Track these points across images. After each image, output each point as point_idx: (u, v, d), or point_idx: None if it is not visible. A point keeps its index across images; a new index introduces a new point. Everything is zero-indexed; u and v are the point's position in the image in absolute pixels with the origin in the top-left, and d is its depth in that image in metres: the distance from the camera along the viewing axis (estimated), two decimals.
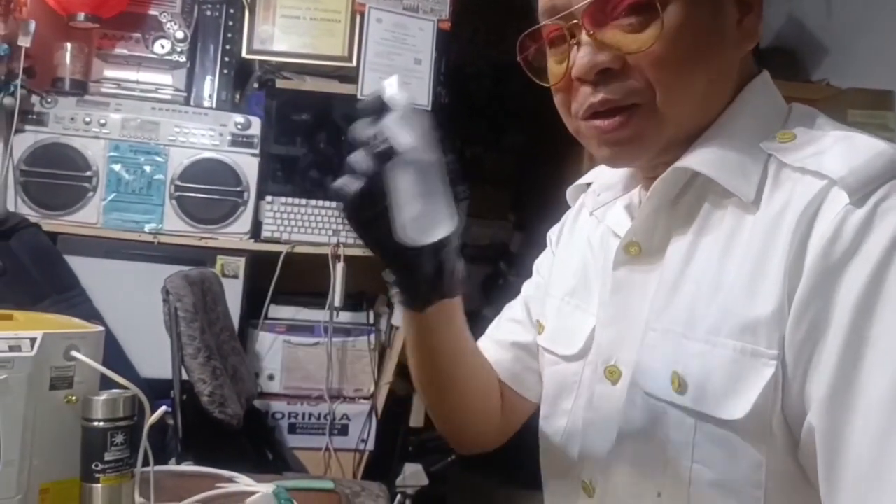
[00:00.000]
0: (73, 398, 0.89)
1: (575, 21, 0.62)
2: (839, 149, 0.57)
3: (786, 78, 2.31)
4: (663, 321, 0.63)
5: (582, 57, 0.62)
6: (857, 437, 0.51)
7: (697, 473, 0.59)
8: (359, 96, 2.12)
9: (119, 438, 0.88)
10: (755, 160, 0.61)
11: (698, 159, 0.63)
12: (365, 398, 2.04)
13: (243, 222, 2.01)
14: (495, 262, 4.22)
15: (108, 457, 0.87)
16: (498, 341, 0.89)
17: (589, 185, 0.85)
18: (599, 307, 0.72)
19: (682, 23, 0.59)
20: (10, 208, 1.86)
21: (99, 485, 0.83)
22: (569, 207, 0.94)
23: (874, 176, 0.53)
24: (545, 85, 0.69)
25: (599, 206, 0.79)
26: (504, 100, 4.48)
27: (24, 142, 1.91)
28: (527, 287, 0.94)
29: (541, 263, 0.93)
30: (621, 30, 0.61)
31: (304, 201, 2.07)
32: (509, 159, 4.61)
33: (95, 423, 0.87)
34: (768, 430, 0.56)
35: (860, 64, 2.27)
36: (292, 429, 1.95)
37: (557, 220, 0.96)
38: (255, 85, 2.16)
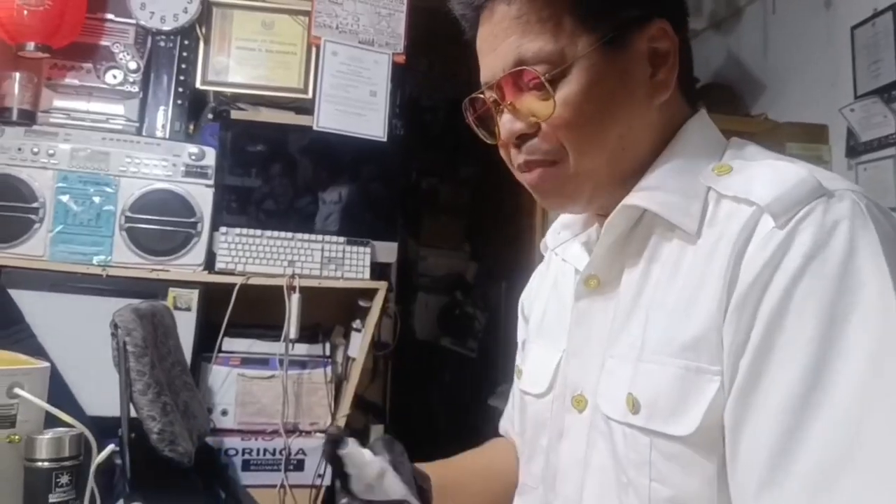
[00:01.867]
0: (16, 437, 0.86)
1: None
2: (767, 177, 0.61)
3: (726, 112, 2.40)
4: (619, 347, 0.67)
5: (504, 124, 0.70)
6: (747, 439, 0.55)
7: (655, 492, 0.61)
8: (314, 127, 2.12)
9: (64, 479, 0.85)
10: (696, 193, 0.65)
11: (644, 196, 0.67)
12: (321, 432, 2.00)
13: (197, 254, 1.97)
14: (451, 291, 4.23)
15: (52, 499, 0.83)
16: (508, 415, 0.94)
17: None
18: (566, 340, 0.75)
19: (584, 89, 0.65)
20: None
21: None
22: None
23: (796, 201, 0.58)
24: (491, 143, 0.75)
25: (559, 244, 0.84)
26: (459, 132, 4.51)
27: None
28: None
29: (519, 332, 0.95)
30: (534, 97, 0.67)
31: (259, 232, 2.05)
32: (464, 190, 4.65)
33: (39, 464, 0.84)
34: (719, 443, 0.58)
35: (797, 99, 2.37)
36: (246, 465, 1.90)
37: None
38: (210, 116, 2.14)
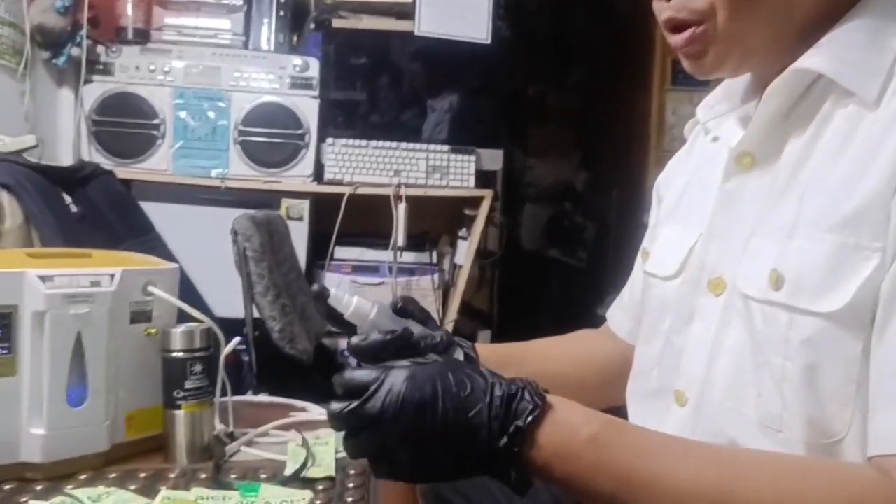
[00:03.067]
0: (153, 331, 0.94)
1: None
2: None
3: None
4: (768, 226, 0.63)
5: None
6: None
7: (790, 371, 0.59)
8: (416, 32, 2.09)
9: (197, 368, 0.93)
10: (881, 59, 0.59)
11: (817, 59, 0.61)
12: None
13: (306, 165, 2.04)
14: (560, 201, 4.17)
15: (188, 385, 0.91)
16: (621, 304, 0.95)
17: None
18: (706, 223, 0.71)
19: None
20: (85, 157, 1.95)
21: (181, 411, 0.88)
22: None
23: None
24: None
25: (712, 118, 0.78)
26: (567, 34, 4.35)
27: (93, 92, 1.98)
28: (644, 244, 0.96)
29: (650, 216, 0.93)
30: None
31: (364, 142, 2.08)
32: (573, 96, 4.50)
33: (175, 354, 0.92)
34: (867, 323, 0.55)
35: None
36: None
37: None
38: (312, 26, 2.16)
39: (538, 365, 0.88)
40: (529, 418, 0.53)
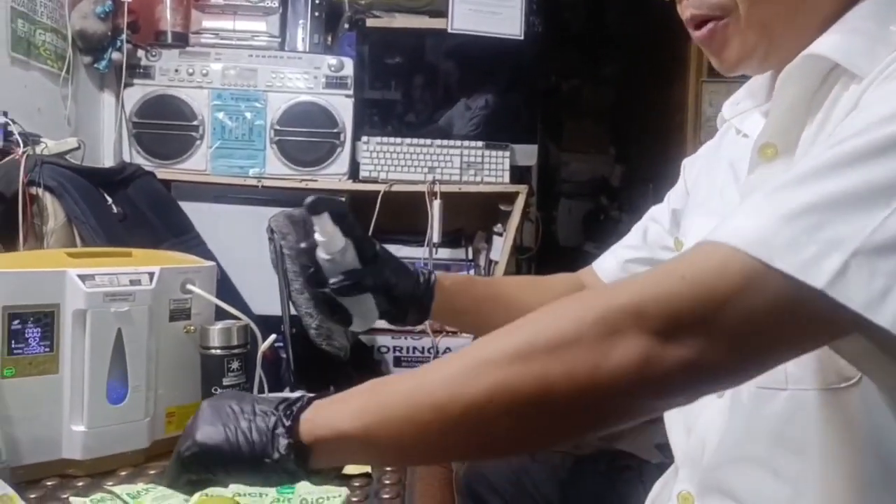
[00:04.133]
0: (192, 328, 0.95)
1: None
2: None
3: None
4: None
5: None
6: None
7: None
8: (449, 30, 2.08)
9: (235, 365, 0.94)
10: (886, 42, 0.58)
11: (826, 44, 0.61)
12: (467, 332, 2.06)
13: (341, 163, 2.04)
14: (595, 196, 4.13)
15: (226, 381, 0.92)
16: (612, 253, 0.98)
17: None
18: None
19: None
20: (126, 159, 1.97)
21: None
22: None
23: None
24: None
25: (736, 114, 0.78)
26: (601, 28, 4.30)
27: (133, 95, 2.01)
28: (653, 212, 0.98)
29: (672, 192, 0.95)
30: None
31: (399, 140, 2.08)
32: (608, 90, 4.45)
33: (213, 351, 0.93)
34: None
35: None
36: (397, 362, 2.01)
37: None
38: (346, 26, 2.16)
39: (501, 313, 0.87)
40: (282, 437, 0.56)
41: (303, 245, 0.85)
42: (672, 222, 0.91)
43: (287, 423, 0.56)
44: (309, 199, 0.80)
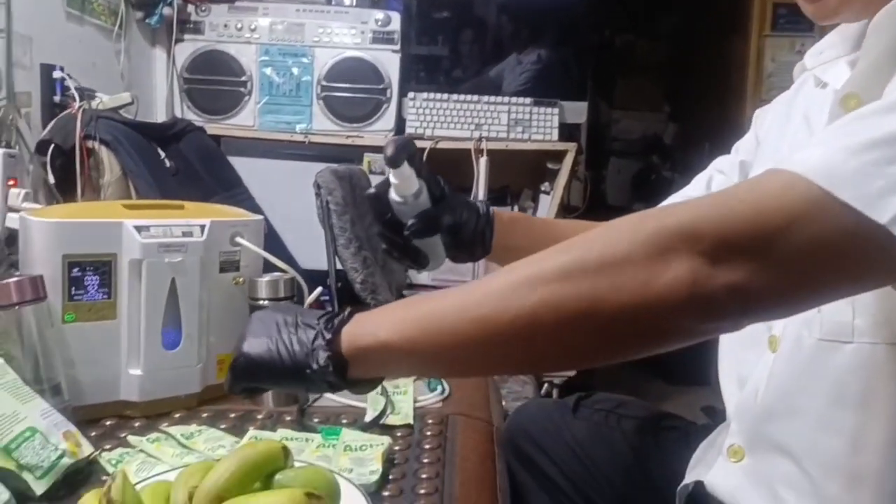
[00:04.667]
0: (241, 280, 0.98)
1: None
2: None
3: None
4: None
5: None
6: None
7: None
8: None
9: None
10: None
11: None
12: None
13: (387, 119, 2.05)
14: (647, 155, 4.05)
15: None
16: (671, 202, 0.92)
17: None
18: None
19: None
20: (178, 114, 2.02)
21: None
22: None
23: None
24: None
25: (820, 64, 0.76)
26: None
27: (184, 51, 2.04)
28: (718, 163, 0.95)
29: (741, 143, 0.92)
30: None
31: (445, 96, 2.07)
32: (663, 46, 4.32)
33: (261, 302, 0.96)
34: None
35: None
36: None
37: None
38: None
39: None
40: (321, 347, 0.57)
41: (372, 191, 0.84)
42: (740, 174, 0.89)
43: (328, 336, 0.57)
44: (390, 151, 0.78)
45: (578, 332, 0.50)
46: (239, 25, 2.05)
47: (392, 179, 0.82)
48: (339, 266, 1.42)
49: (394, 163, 0.79)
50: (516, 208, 2.16)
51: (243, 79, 2.05)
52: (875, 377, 0.63)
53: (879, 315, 0.61)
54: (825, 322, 0.66)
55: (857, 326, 0.63)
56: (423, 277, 2.05)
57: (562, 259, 0.51)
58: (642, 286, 0.47)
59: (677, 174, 3.69)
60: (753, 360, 0.75)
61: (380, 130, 2.05)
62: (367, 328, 0.57)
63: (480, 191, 2.00)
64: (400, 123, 2.07)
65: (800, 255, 0.46)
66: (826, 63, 0.74)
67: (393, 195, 0.83)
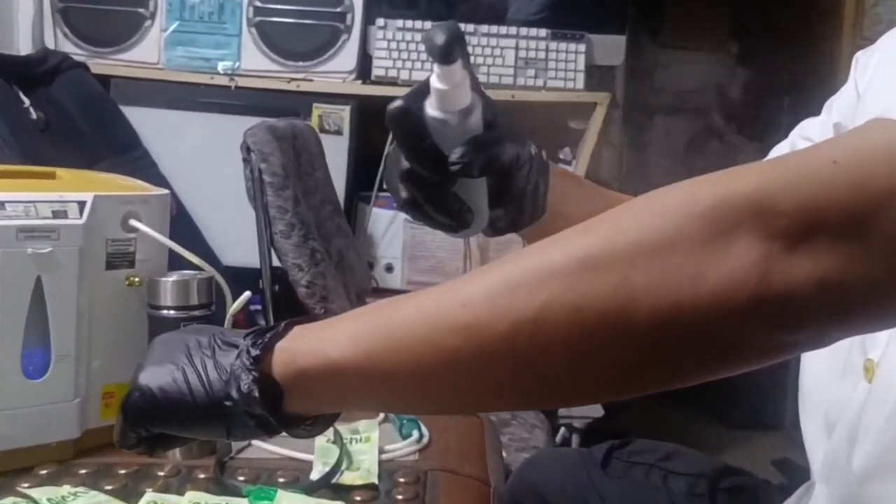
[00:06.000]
0: (136, 280, 0.96)
1: None
2: None
3: None
4: None
5: None
6: None
7: None
8: None
9: None
10: None
11: None
12: None
13: (347, 56, 2.04)
14: (706, 113, 4.07)
15: None
16: None
17: None
18: None
19: None
20: (49, 45, 1.99)
21: None
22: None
23: None
24: None
25: None
26: None
27: None
28: (803, 127, 0.95)
29: (835, 99, 0.92)
30: None
31: (428, 24, 2.06)
32: None
33: (165, 312, 0.94)
34: None
35: None
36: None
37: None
38: None
39: None
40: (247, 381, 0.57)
41: (399, 103, 0.73)
42: None
43: (254, 353, 0.57)
44: (440, 38, 0.68)
45: (602, 346, 0.49)
46: None
47: (437, 84, 0.71)
48: (276, 262, 1.41)
49: (446, 56, 0.68)
50: None
51: None
52: None
53: None
54: None
55: None
56: (393, 280, 2.05)
57: (580, 244, 0.50)
58: (692, 280, 0.46)
59: (747, 140, 3.70)
60: (845, 395, 0.75)
61: (335, 71, 2.04)
62: (310, 343, 0.57)
63: None
64: (365, 62, 2.07)
65: None
66: None
67: (430, 110, 0.74)
